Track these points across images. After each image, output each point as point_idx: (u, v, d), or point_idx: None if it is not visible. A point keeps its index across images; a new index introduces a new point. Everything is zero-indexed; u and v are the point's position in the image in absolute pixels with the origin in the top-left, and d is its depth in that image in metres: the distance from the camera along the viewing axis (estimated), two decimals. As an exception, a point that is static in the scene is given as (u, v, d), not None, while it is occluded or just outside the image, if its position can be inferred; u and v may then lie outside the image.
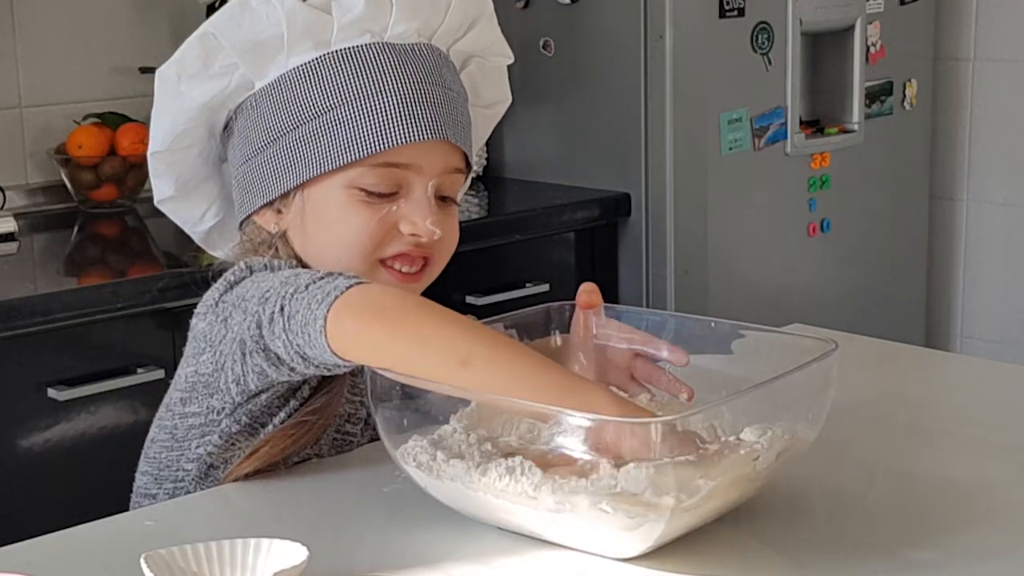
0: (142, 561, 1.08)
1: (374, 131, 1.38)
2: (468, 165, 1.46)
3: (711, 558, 1.19)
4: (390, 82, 1.39)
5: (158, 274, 2.27)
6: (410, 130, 1.38)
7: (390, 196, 1.39)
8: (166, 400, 1.44)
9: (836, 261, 3.10)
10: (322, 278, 1.27)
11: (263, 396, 1.35)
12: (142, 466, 1.47)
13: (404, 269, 1.41)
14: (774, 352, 1.34)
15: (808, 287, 3.04)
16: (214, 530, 1.20)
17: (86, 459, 2.17)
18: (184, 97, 1.43)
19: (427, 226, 1.39)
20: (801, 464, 1.39)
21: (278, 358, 1.28)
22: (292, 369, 1.29)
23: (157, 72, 1.44)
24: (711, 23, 2.78)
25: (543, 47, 2.97)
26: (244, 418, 1.37)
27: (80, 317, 2.16)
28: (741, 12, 2.81)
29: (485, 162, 3.10)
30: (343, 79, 1.39)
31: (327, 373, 1.32)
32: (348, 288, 1.23)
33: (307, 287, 1.26)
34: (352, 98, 1.39)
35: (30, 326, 2.11)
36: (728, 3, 2.79)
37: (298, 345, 1.25)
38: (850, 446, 1.46)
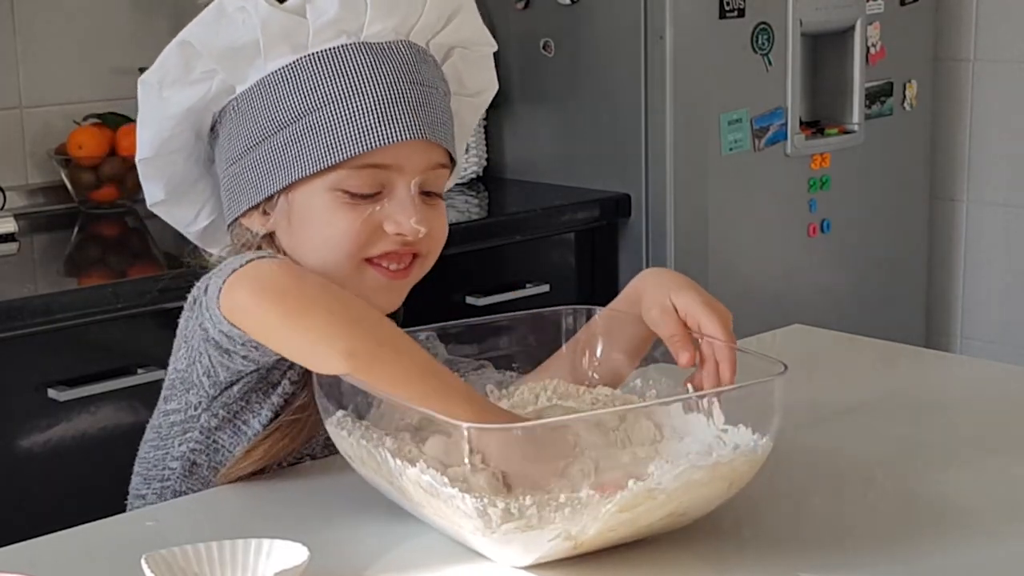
0: (143, 561, 1.08)
1: (353, 134, 1.37)
2: (452, 160, 1.46)
3: (707, 556, 1.19)
4: (366, 83, 1.39)
5: (158, 274, 2.27)
6: (389, 131, 1.37)
7: (373, 196, 1.39)
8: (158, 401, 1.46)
9: (836, 261, 3.10)
10: (240, 255, 1.30)
11: (235, 388, 1.36)
12: (135, 467, 1.48)
13: (392, 267, 1.41)
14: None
15: (808, 287, 3.04)
16: (215, 530, 1.20)
17: (86, 459, 2.17)
18: (167, 103, 1.44)
19: (412, 225, 1.38)
20: (801, 464, 1.39)
21: (217, 342, 1.30)
22: (244, 357, 1.31)
23: (139, 80, 1.45)
24: (711, 23, 2.78)
25: (543, 47, 2.97)
26: (221, 412, 1.37)
27: (80, 317, 2.16)
28: (741, 13, 2.81)
29: (485, 163, 3.10)
30: (320, 82, 1.39)
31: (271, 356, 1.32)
32: (247, 263, 1.27)
33: (224, 264, 1.30)
34: (330, 101, 1.38)
35: (30, 326, 2.11)
36: (728, 3, 2.79)
37: (214, 321, 1.28)
38: (850, 446, 1.46)
